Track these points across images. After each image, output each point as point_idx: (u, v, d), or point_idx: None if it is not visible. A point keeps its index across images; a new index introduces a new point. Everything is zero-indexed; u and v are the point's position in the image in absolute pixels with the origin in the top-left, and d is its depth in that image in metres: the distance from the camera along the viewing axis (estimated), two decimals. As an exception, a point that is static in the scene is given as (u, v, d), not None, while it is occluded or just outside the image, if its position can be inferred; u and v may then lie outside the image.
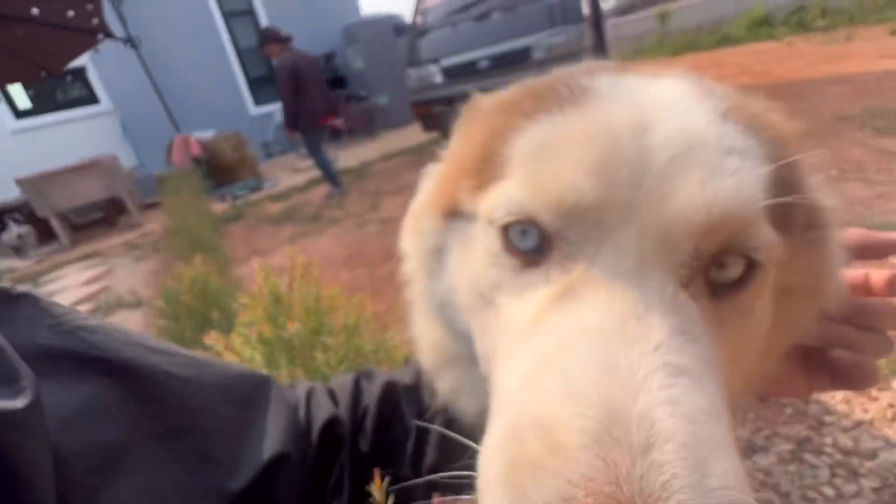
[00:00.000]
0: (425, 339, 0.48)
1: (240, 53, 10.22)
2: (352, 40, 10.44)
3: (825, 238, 0.37)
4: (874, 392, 1.28)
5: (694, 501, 0.21)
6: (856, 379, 0.39)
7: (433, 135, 7.73)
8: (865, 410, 1.23)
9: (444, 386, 0.48)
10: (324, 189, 6.25)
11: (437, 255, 0.44)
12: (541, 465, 0.24)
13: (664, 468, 0.22)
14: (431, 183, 0.49)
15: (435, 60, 5.63)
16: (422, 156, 6.92)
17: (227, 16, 9.93)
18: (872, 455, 1.10)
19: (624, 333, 0.27)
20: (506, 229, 0.35)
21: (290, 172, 8.05)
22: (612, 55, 13.68)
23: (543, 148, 0.34)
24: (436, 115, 5.75)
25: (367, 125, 10.17)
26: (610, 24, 14.53)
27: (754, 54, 7.53)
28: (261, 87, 10.64)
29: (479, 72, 5.28)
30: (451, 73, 5.55)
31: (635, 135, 0.32)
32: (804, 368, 0.41)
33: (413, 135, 8.49)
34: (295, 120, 5.14)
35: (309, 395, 0.53)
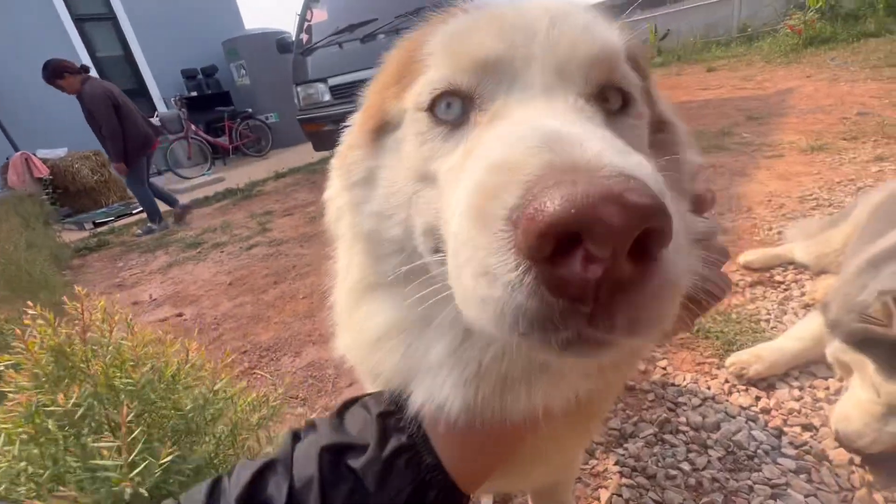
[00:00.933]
0: (349, 278, 0.51)
1: (98, 63, 8.99)
2: (234, 55, 9.83)
3: (675, 144, 0.48)
4: (714, 370, 1.47)
5: (619, 167, 0.25)
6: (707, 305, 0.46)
7: (325, 154, 7.57)
8: (708, 387, 1.40)
9: (360, 316, 0.49)
10: (214, 208, 5.69)
11: (366, 181, 0.48)
12: (501, 187, 0.27)
13: (603, 159, 0.26)
14: (355, 121, 0.54)
15: (323, 79, 5.52)
16: (314, 175, 6.69)
17: (80, 20, 8.70)
18: (716, 427, 1.25)
19: (553, 118, 0.33)
20: (432, 109, 0.41)
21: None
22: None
23: (454, 35, 0.42)
24: (326, 133, 5.61)
25: (255, 144, 9.57)
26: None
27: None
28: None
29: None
30: (340, 93, 5.48)
31: (523, 13, 0.41)
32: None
33: (305, 154, 8.18)
34: (125, 152, 4.65)
35: None
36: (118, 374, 0.56)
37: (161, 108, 9.44)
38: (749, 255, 1.98)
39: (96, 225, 6.07)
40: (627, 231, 0.22)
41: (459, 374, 0.43)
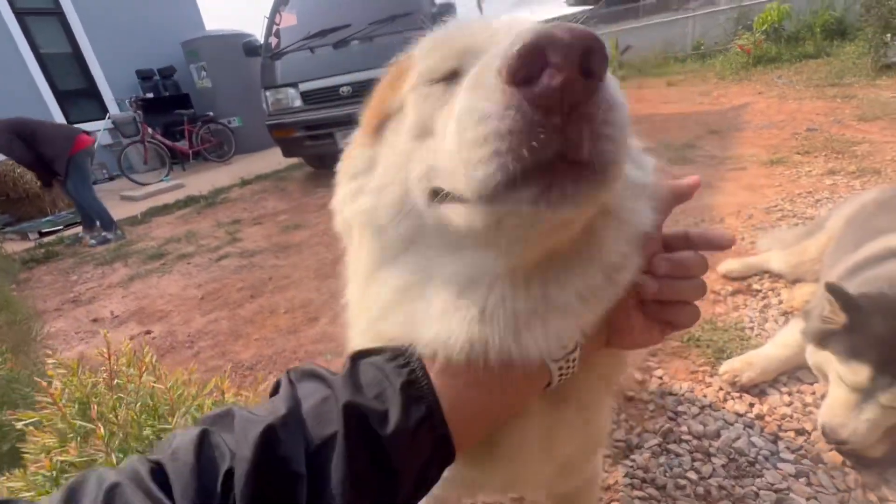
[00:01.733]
0: (359, 272, 0.53)
1: (43, 60, 8.40)
2: (194, 56, 9.44)
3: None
4: (707, 378, 1.52)
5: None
6: (683, 322, 0.51)
7: (294, 160, 7.37)
8: (704, 395, 1.45)
9: (369, 299, 0.51)
10: (176, 217, 5.40)
11: (367, 168, 0.53)
12: (487, 65, 0.35)
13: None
14: (358, 127, 0.58)
15: (293, 84, 5.39)
16: (283, 182, 6.50)
17: (22, 14, 8.11)
18: (717, 435, 1.29)
19: None
20: (430, 79, 0.48)
21: (122, 202, 6.78)
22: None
23: (439, 38, 0.50)
24: (296, 139, 5.47)
25: (217, 149, 9.20)
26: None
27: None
28: (75, 100, 8.89)
29: (340, 98, 5.20)
30: (311, 98, 5.36)
31: (492, 22, 0.50)
32: (644, 321, 0.51)
33: (272, 160, 7.94)
34: (48, 172, 4.53)
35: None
36: (150, 422, 0.50)
37: (114, 110, 8.92)
38: (728, 265, 2.07)
39: (42, 234, 5.62)
40: (576, 45, 0.30)
41: (464, 315, 0.44)
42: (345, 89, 5.21)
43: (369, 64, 5.10)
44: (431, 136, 0.46)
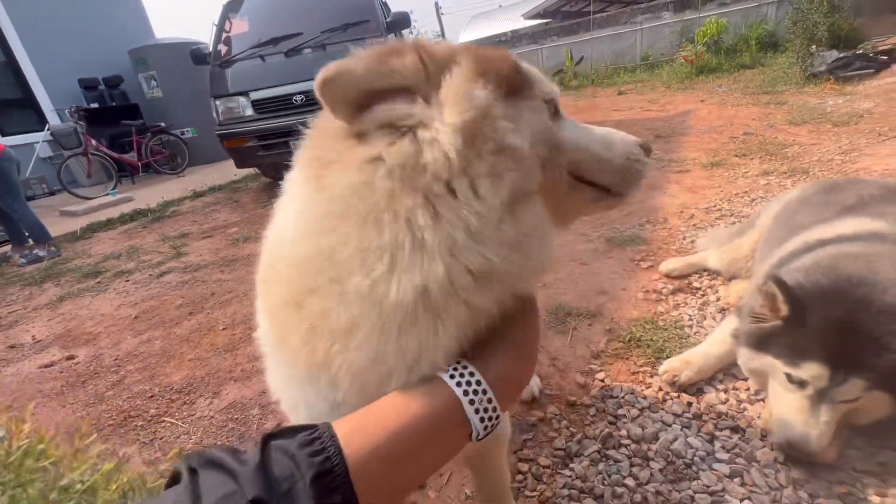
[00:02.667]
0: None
1: (-32, 68, 7.86)
2: (143, 65, 9.06)
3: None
4: (647, 379, 1.51)
5: None
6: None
7: (251, 171, 7.14)
8: (644, 397, 1.43)
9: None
10: (119, 232, 5.08)
11: None
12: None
13: None
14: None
15: (244, 93, 5.22)
16: (237, 193, 6.27)
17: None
18: (655, 438, 1.27)
19: None
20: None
21: (62, 218, 6.34)
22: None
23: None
24: (249, 149, 5.29)
25: (169, 160, 8.81)
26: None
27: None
28: (9, 111, 8.34)
29: (294, 107, 5.08)
30: (263, 107, 5.21)
31: None
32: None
33: (229, 171, 7.69)
34: None
35: None
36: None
37: (54, 120, 8.41)
38: (669, 265, 2.10)
39: (-35, 255, 5.16)
40: None
41: None
42: (298, 98, 5.09)
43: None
44: None
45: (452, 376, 0.47)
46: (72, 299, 3.27)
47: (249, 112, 5.30)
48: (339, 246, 0.46)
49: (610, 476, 1.18)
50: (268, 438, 0.42)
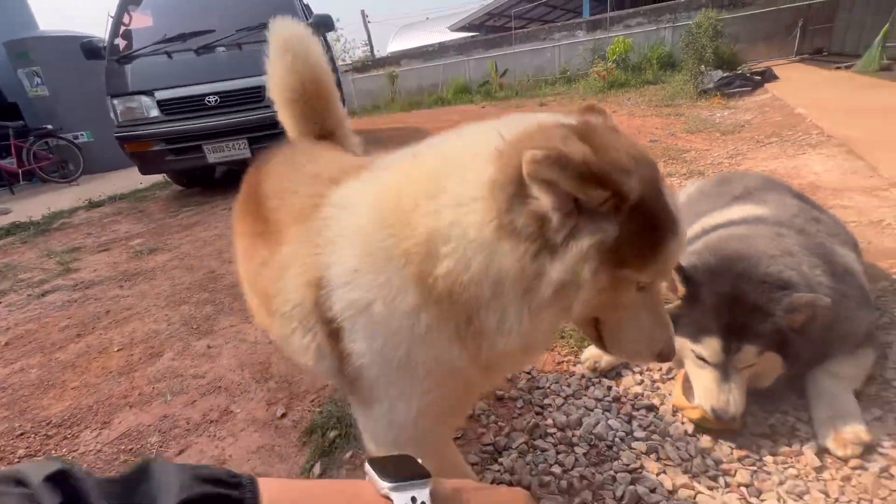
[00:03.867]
0: None
1: None
2: (24, 59, 7.99)
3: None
4: (571, 368, 1.55)
5: None
6: None
7: (159, 178, 6.51)
8: (568, 385, 1.46)
9: None
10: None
11: None
12: None
13: None
14: None
15: (148, 92, 4.76)
16: (143, 202, 5.69)
17: None
18: (579, 423, 1.30)
19: None
20: None
21: None
22: (355, 106, 14.76)
23: None
24: (154, 154, 4.83)
25: (59, 167, 7.81)
26: (351, 79, 15.82)
27: (461, 113, 9.33)
28: None
29: (206, 108, 4.72)
30: (171, 108, 4.79)
31: None
32: None
33: (134, 178, 6.95)
34: None
35: None
36: None
37: None
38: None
39: None
40: None
41: None
42: (211, 99, 4.75)
43: (237, 72, 4.72)
44: None
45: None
46: (-78, 328, 2.72)
47: (154, 113, 4.83)
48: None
49: (537, 466, 1.17)
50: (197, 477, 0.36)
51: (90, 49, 4.95)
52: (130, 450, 1.45)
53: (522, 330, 0.59)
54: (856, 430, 1.06)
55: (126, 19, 5.11)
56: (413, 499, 0.40)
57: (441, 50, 15.20)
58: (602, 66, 10.42)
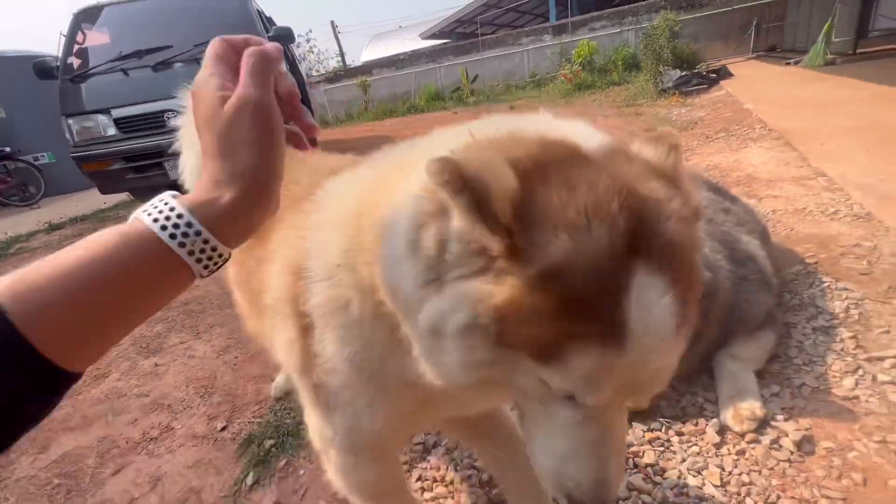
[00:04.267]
0: None
1: None
2: (-24, 81, 7.77)
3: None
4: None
5: None
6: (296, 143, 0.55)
7: (123, 197, 6.41)
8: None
9: None
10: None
11: None
12: None
13: None
14: None
15: (104, 110, 4.70)
16: (105, 223, 5.58)
17: None
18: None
19: None
20: None
21: None
22: (329, 116, 14.61)
23: None
24: (114, 172, 4.77)
25: (18, 191, 7.61)
26: (322, 90, 15.73)
27: (434, 120, 9.41)
28: None
29: (164, 125, 4.68)
30: (129, 126, 4.73)
31: None
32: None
33: (96, 200, 6.82)
34: None
35: None
36: None
37: None
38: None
39: None
40: None
41: None
42: (170, 114, 4.70)
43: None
44: None
45: (148, 213, 0.41)
46: None
47: (112, 131, 4.77)
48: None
49: (462, 461, 1.21)
50: None
51: (43, 69, 4.86)
52: (66, 473, 1.44)
53: (426, 359, 0.49)
54: (752, 406, 1.13)
55: (80, 38, 5.04)
56: (165, 204, 0.42)
57: (413, 58, 15.33)
58: (568, 69, 10.65)
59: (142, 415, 1.67)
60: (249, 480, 1.27)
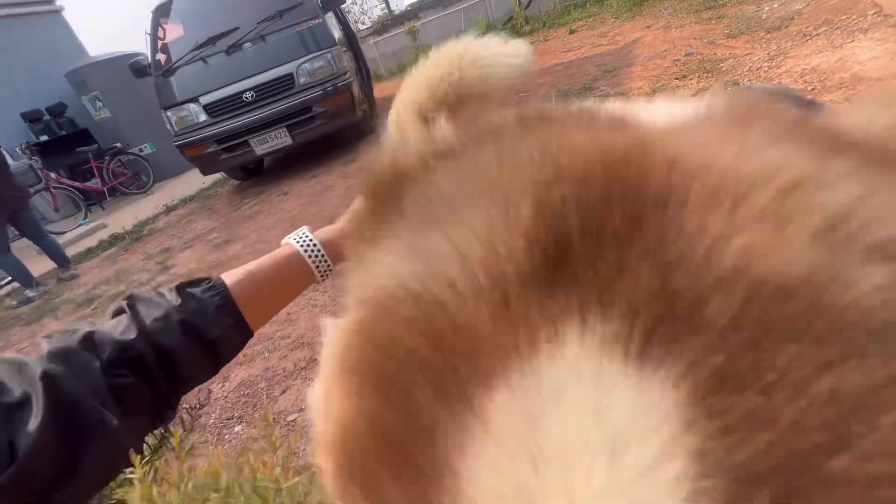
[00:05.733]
0: None
1: None
2: (84, 87, 8.81)
3: None
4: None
5: None
6: None
7: (217, 177, 7.14)
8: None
9: None
10: (101, 259, 5.18)
11: None
12: None
13: None
14: None
15: (193, 99, 5.20)
16: (210, 200, 6.32)
17: None
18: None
19: None
20: None
21: (40, 256, 6.37)
22: (381, 70, 14.34)
23: None
24: (211, 155, 5.33)
25: (134, 180, 8.73)
26: (371, 43, 15.43)
27: (490, 58, 9.05)
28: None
29: (245, 104, 5.08)
30: (216, 110, 5.20)
31: None
32: None
33: (196, 180, 7.65)
34: None
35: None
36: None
37: (9, 161, 8.24)
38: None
39: (-44, 308, 5.24)
40: None
41: None
42: (248, 94, 5.09)
43: (266, 64, 5.01)
44: None
45: (297, 241, 0.73)
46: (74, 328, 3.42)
47: (203, 117, 5.29)
48: None
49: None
50: (180, 287, 0.65)
51: (138, 69, 5.45)
52: (246, 393, 1.88)
53: None
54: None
55: (161, 33, 5.52)
56: (304, 235, 0.72)
57: (458, -7, 14.53)
58: (633, -24, 9.54)
59: (289, 351, 2.08)
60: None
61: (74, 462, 0.44)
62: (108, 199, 8.54)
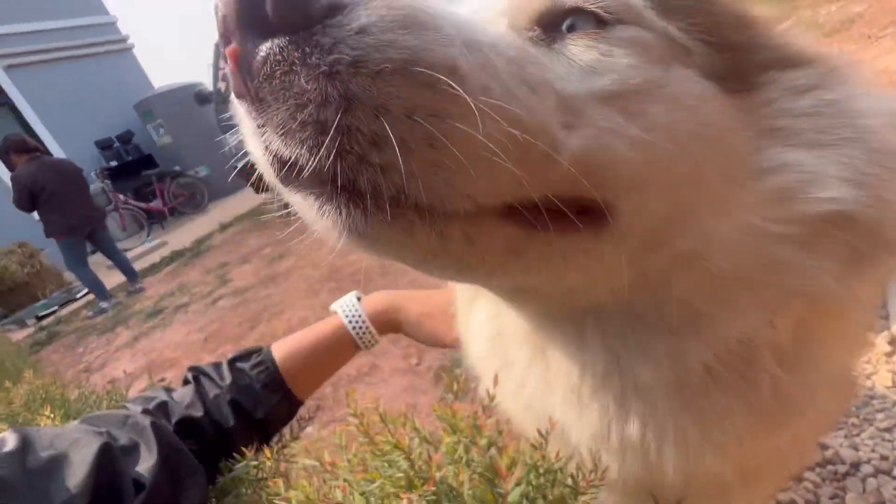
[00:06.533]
0: None
1: None
2: (149, 116, 9.55)
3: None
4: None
5: None
6: None
7: (267, 196, 7.51)
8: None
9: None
10: (165, 273, 5.54)
11: None
12: None
13: None
14: None
15: (250, 122, 5.55)
16: (262, 217, 6.65)
17: (-30, 110, 8.19)
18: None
19: None
20: None
21: (109, 271, 6.89)
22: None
23: None
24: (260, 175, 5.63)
25: (191, 201, 9.31)
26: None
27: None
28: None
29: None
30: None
31: None
32: None
33: (247, 200, 8.08)
34: (51, 231, 4.75)
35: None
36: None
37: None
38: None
39: (39, 318, 5.73)
40: (229, 14, 0.25)
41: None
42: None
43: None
44: None
45: (344, 311, 0.80)
46: (145, 336, 3.68)
47: (256, 140, 5.62)
48: None
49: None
50: (232, 361, 0.75)
51: (202, 97, 5.90)
52: (316, 397, 1.96)
53: None
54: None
55: (222, 64, 5.95)
56: (358, 298, 0.79)
57: None
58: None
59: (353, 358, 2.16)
60: (451, 398, 1.63)
61: (178, 498, 0.56)
62: (168, 218, 9.14)
